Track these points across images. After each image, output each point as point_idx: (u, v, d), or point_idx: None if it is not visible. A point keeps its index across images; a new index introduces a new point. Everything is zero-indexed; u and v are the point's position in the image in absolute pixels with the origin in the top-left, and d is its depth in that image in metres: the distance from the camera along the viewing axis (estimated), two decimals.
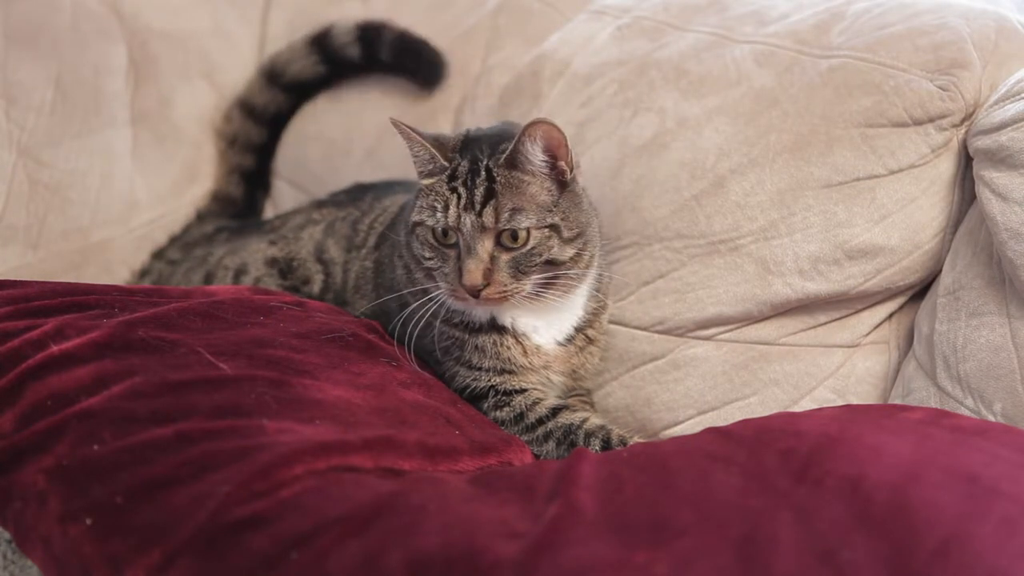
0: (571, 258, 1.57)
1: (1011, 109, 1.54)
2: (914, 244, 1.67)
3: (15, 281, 1.58)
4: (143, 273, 2.21)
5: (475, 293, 1.50)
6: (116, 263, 2.22)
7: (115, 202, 2.23)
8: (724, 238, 1.74)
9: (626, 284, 1.81)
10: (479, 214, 1.51)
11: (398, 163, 2.18)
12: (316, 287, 1.87)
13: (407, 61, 2.21)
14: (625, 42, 1.98)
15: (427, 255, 1.56)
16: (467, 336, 1.65)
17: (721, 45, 1.86)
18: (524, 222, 1.51)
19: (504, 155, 1.53)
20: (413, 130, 1.56)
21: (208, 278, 1.97)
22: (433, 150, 1.55)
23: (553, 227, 1.54)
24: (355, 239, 1.87)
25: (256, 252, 1.94)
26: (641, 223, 1.80)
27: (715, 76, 1.83)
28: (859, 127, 1.67)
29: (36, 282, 1.59)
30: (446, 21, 2.25)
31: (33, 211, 2.14)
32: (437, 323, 1.63)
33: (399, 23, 2.23)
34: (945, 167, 1.66)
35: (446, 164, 1.56)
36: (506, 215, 1.51)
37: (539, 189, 1.55)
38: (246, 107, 2.36)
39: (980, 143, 1.58)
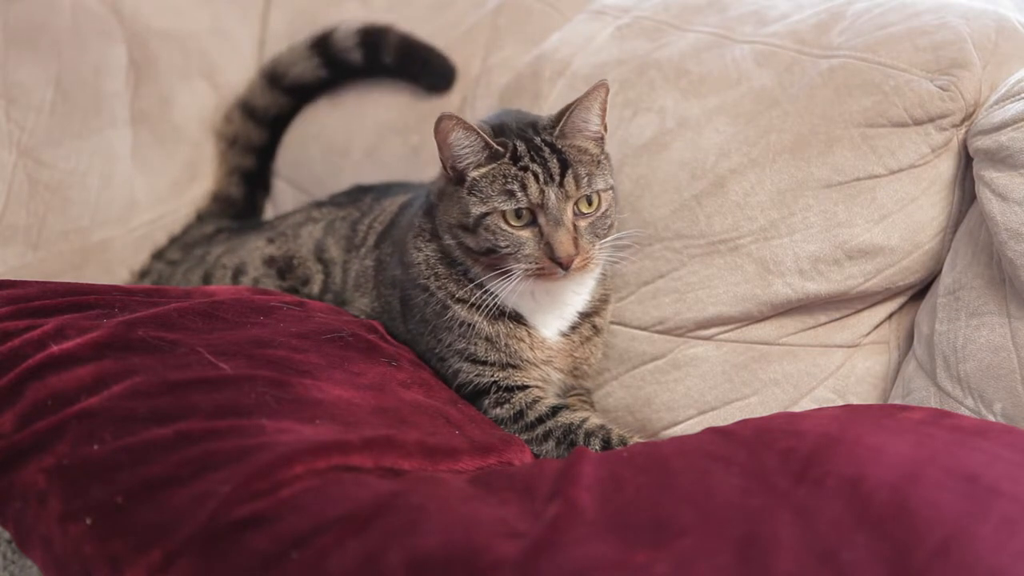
0: (615, 220, 1.64)
1: (1011, 109, 1.54)
2: (914, 244, 1.67)
3: (15, 281, 1.58)
4: (143, 274, 2.21)
5: (568, 264, 1.52)
6: (116, 263, 2.22)
7: (115, 202, 2.23)
8: (724, 238, 1.74)
9: (626, 283, 1.81)
10: (561, 184, 1.53)
11: (398, 163, 2.18)
12: (316, 287, 1.87)
13: (411, 66, 2.20)
14: (625, 42, 1.98)
15: (502, 243, 1.54)
16: (484, 324, 1.63)
17: (721, 45, 1.86)
18: (598, 184, 1.57)
19: (561, 124, 1.57)
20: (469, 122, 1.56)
21: (206, 277, 1.97)
22: (487, 138, 1.55)
23: (612, 188, 1.60)
24: (355, 239, 1.87)
25: (254, 250, 1.93)
26: (641, 223, 1.80)
27: (715, 76, 1.83)
28: (859, 127, 1.67)
29: (36, 282, 1.59)
30: (446, 21, 2.25)
31: (33, 211, 2.14)
32: (459, 309, 1.63)
33: (399, 23, 2.22)
34: (945, 167, 1.66)
35: (501, 149, 1.56)
36: (585, 181, 1.55)
37: (593, 153, 1.60)
38: (247, 108, 2.36)
39: (980, 143, 1.58)
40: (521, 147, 1.56)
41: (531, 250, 1.54)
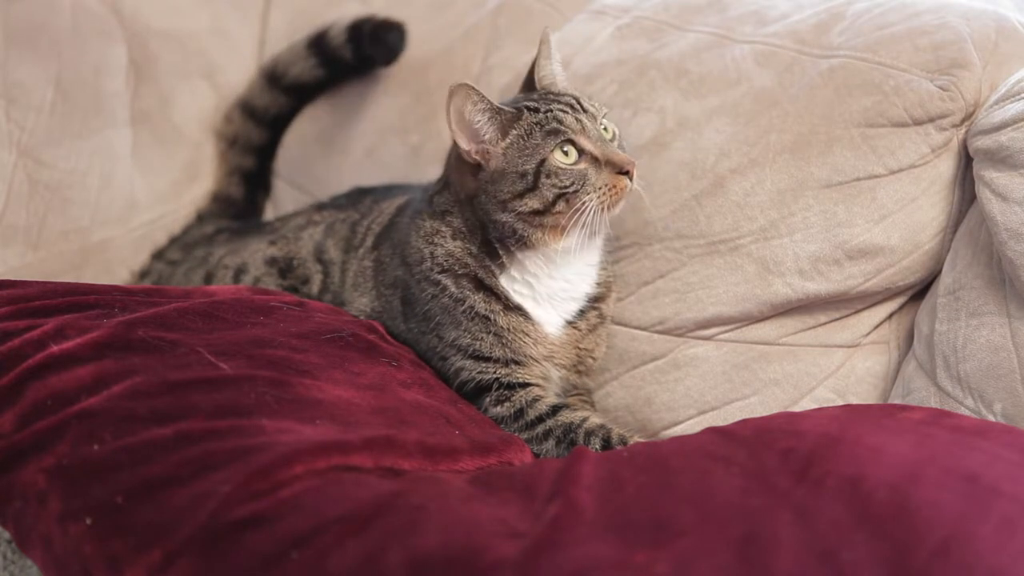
0: None
1: (1011, 109, 1.54)
2: (914, 244, 1.67)
3: (15, 281, 1.58)
4: (143, 274, 2.20)
5: (631, 171, 1.59)
6: (116, 263, 2.22)
7: (115, 202, 2.23)
8: (724, 238, 1.74)
9: (626, 283, 1.81)
10: (584, 111, 1.63)
11: (398, 163, 2.18)
12: (315, 287, 1.87)
13: (376, 46, 2.19)
14: (625, 42, 1.98)
15: (567, 182, 1.58)
16: (500, 313, 1.65)
17: (721, 45, 1.86)
18: (604, 109, 1.68)
19: (537, 80, 1.70)
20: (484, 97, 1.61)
21: (208, 278, 1.97)
22: (499, 105, 1.61)
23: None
24: (353, 240, 1.88)
25: (256, 252, 1.94)
26: (641, 223, 1.80)
27: (715, 76, 1.83)
28: (859, 127, 1.67)
29: (36, 282, 1.59)
30: (446, 21, 2.25)
31: (33, 211, 2.14)
32: (478, 299, 1.65)
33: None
34: (945, 167, 1.66)
35: (515, 111, 1.62)
36: (598, 104, 1.67)
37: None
38: (247, 108, 2.35)
39: (980, 143, 1.58)
40: (532, 103, 1.64)
41: (595, 176, 1.58)
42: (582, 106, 1.63)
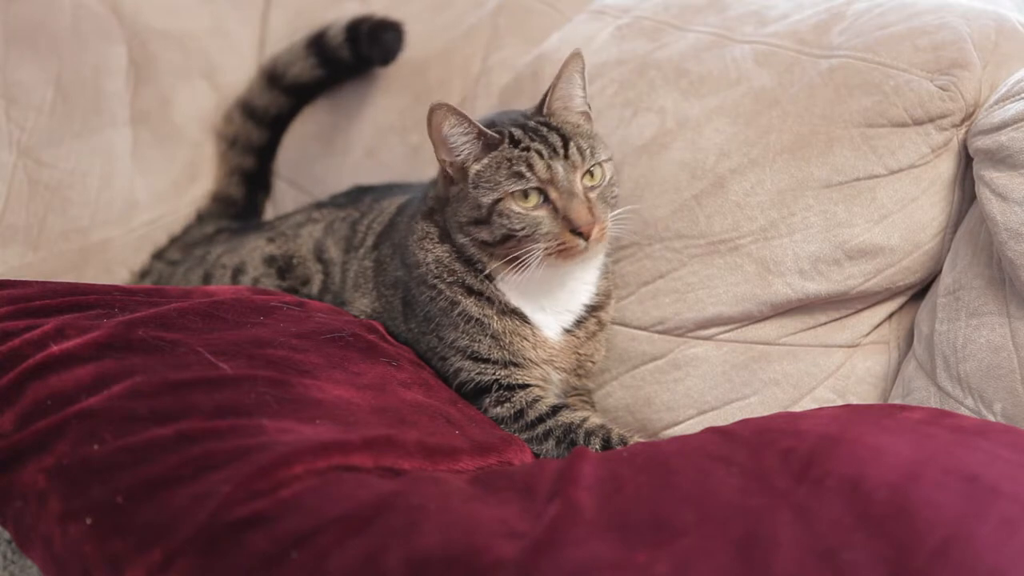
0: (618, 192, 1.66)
1: (1011, 109, 1.54)
2: (914, 244, 1.67)
3: (15, 281, 1.58)
4: (143, 274, 2.21)
5: (588, 232, 1.52)
6: (116, 263, 2.22)
7: (115, 202, 2.24)
8: (724, 238, 1.74)
9: (626, 283, 1.81)
10: (566, 157, 1.55)
11: (397, 163, 2.18)
12: (315, 287, 1.87)
13: (374, 47, 2.19)
14: (625, 42, 1.98)
15: (518, 226, 1.54)
16: (494, 318, 1.64)
17: (721, 45, 1.86)
18: (600, 155, 1.60)
19: (548, 104, 1.62)
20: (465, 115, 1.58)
21: (206, 277, 1.97)
22: (482, 127, 1.58)
23: (610, 159, 1.63)
24: (354, 240, 1.88)
25: (254, 250, 1.94)
26: (641, 223, 1.80)
27: (715, 76, 1.83)
28: (859, 127, 1.67)
29: (36, 282, 1.59)
30: (446, 21, 2.25)
31: (33, 211, 2.14)
32: (471, 304, 1.64)
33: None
34: (945, 167, 1.66)
35: (497, 136, 1.58)
36: (588, 152, 1.57)
37: (586, 128, 1.64)
38: (247, 108, 2.36)
39: (980, 143, 1.58)
40: (517, 132, 1.59)
41: (549, 227, 1.54)
42: (566, 151, 1.56)
